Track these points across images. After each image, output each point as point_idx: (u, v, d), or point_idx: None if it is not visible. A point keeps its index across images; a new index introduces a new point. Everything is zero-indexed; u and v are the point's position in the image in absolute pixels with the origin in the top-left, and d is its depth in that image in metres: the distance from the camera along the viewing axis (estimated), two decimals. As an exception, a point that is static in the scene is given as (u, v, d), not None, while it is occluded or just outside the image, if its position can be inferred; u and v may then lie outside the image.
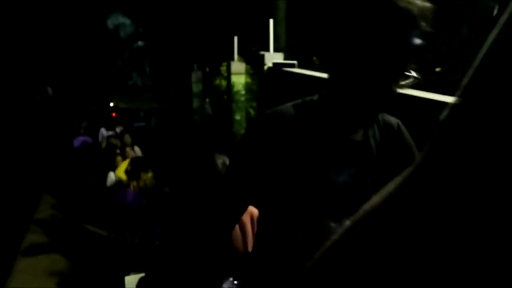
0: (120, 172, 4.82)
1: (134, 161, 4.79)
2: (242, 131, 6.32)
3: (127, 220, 4.47)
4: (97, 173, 6.61)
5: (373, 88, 0.94)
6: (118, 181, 4.80)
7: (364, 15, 0.89)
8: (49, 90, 15.96)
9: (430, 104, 1.98)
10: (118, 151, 6.39)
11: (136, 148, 6.73)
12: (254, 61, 5.77)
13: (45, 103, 14.51)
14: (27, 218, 6.23)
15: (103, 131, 7.70)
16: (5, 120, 13.03)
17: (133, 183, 4.58)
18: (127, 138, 6.89)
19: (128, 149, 6.46)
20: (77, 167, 7.58)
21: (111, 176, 5.44)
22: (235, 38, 6.27)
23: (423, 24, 0.87)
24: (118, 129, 7.93)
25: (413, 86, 0.96)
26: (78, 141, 8.06)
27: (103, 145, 7.47)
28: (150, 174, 4.65)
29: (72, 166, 7.84)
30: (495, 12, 8.80)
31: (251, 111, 6.40)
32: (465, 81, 0.40)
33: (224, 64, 7.24)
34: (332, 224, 1.01)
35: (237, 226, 1.79)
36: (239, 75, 6.20)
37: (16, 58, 16.46)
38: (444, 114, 0.41)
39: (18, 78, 16.45)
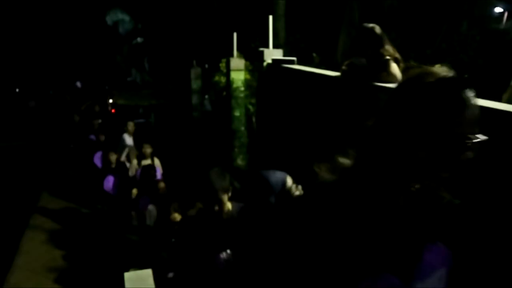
0: None
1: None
2: (242, 128, 6.33)
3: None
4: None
5: None
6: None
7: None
8: (78, 83, 15.85)
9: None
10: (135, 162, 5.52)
11: (156, 161, 5.95)
12: (253, 57, 5.75)
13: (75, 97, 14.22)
14: (27, 215, 6.22)
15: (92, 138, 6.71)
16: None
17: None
18: (146, 148, 5.89)
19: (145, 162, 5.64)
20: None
21: (152, 210, 4.83)
22: (235, 35, 6.25)
23: None
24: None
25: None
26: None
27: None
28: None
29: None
30: (494, 8, 8.78)
31: (250, 107, 6.40)
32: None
33: (223, 60, 7.22)
34: None
35: None
36: (238, 72, 6.19)
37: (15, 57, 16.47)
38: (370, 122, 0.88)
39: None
